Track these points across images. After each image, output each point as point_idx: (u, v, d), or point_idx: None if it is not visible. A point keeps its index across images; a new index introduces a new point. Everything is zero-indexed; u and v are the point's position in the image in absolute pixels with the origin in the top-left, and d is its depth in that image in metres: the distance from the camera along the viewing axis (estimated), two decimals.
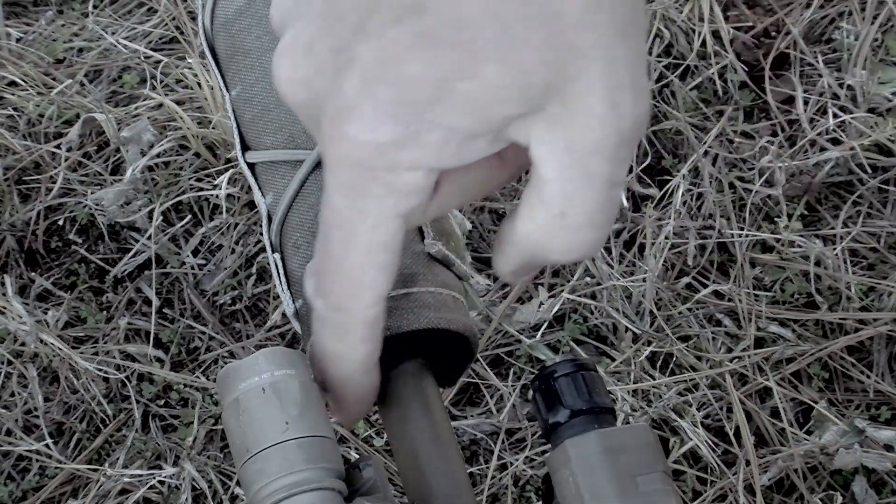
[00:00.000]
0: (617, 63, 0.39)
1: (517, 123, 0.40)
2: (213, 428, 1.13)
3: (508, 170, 0.45)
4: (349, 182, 0.41)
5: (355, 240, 0.42)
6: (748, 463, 1.04)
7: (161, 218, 1.23)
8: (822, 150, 1.22)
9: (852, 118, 1.21)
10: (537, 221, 0.42)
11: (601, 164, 0.41)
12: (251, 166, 0.63)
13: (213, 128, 1.25)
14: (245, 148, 0.63)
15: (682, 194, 1.18)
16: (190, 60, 1.28)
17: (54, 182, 1.26)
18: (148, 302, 1.21)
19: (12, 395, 1.15)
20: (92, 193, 1.25)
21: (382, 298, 0.45)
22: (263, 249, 1.21)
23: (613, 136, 0.40)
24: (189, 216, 1.25)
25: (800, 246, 1.16)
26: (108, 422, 1.14)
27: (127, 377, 1.16)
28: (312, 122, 0.42)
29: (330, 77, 0.40)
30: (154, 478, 1.10)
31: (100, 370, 1.15)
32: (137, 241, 1.23)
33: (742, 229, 1.18)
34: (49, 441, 1.13)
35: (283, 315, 1.17)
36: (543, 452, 1.08)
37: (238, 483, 1.10)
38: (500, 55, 0.38)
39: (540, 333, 1.13)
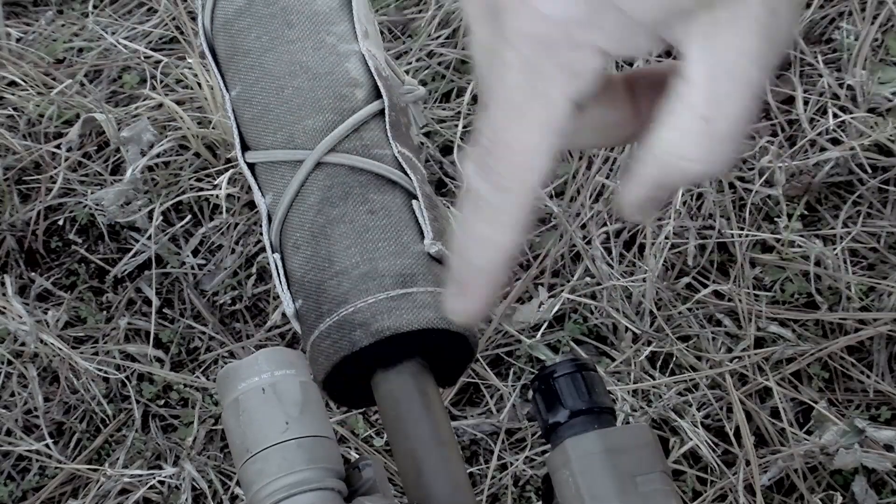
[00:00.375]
0: None
1: (681, 21, 0.41)
2: (213, 428, 1.13)
3: (638, 122, 0.46)
4: (529, 59, 0.41)
5: (530, 119, 0.43)
6: (748, 463, 1.04)
7: (161, 218, 1.23)
8: (822, 150, 1.22)
9: (852, 118, 1.21)
10: (680, 126, 0.43)
11: (753, 71, 0.42)
12: (251, 166, 0.63)
13: (213, 128, 1.25)
14: (245, 148, 0.63)
15: (682, 194, 1.18)
16: (190, 60, 1.28)
17: (54, 182, 1.26)
18: (148, 302, 1.21)
19: (12, 395, 1.15)
20: (92, 193, 1.25)
21: (542, 185, 0.45)
22: (263, 249, 1.21)
23: (767, 44, 0.41)
24: (189, 216, 1.25)
25: (800, 246, 1.16)
26: (108, 422, 1.14)
27: (127, 377, 1.16)
28: (488, 3, 0.42)
29: None
30: (154, 478, 1.10)
31: (100, 370, 1.15)
32: (137, 241, 1.23)
33: (742, 229, 1.18)
34: (49, 441, 1.13)
35: (283, 315, 1.17)
36: (543, 452, 1.08)
37: (238, 483, 1.10)
38: None
39: (540, 333, 1.13)
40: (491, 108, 0.44)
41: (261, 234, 1.18)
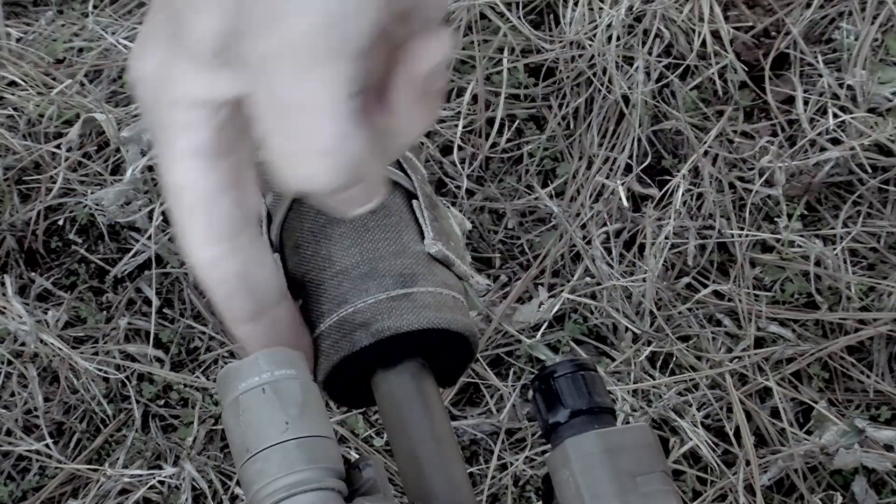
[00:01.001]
0: None
1: None
2: (213, 428, 1.13)
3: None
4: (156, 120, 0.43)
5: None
6: (748, 463, 1.04)
7: (161, 218, 1.23)
8: (822, 150, 1.22)
9: (852, 118, 1.21)
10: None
11: None
12: None
13: None
14: None
15: (682, 194, 1.18)
16: None
17: (54, 182, 1.26)
18: (148, 302, 1.21)
19: (12, 395, 1.15)
20: (92, 193, 1.25)
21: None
22: None
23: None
24: None
25: (800, 246, 1.16)
26: (108, 422, 1.14)
27: (127, 377, 1.16)
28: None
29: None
30: (154, 478, 1.10)
31: (100, 370, 1.15)
32: (137, 241, 1.23)
33: (742, 229, 1.18)
34: (49, 441, 1.13)
35: None
36: (543, 452, 1.08)
37: (238, 483, 1.10)
38: None
39: (540, 333, 1.13)
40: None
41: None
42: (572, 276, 1.16)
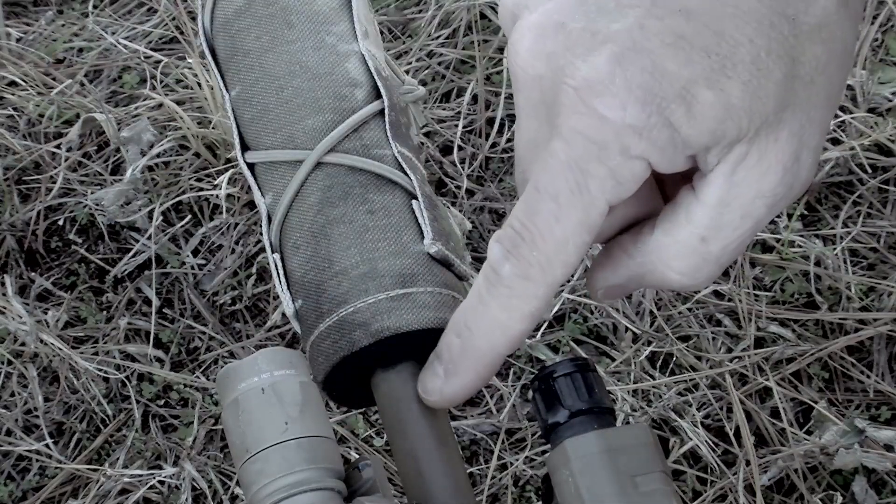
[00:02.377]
0: (814, 124, 0.42)
1: (719, 149, 0.42)
2: (213, 428, 1.13)
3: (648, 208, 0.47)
4: (580, 157, 0.42)
5: (567, 214, 0.43)
6: (748, 463, 1.04)
7: (161, 218, 1.23)
8: (822, 149, 1.22)
9: (852, 118, 1.21)
10: (676, 237, 0.44)
11: (761, 209, 0.43)
12: (251, 166, 0.63)
13: (213, 128, 1.25)
14: (245, 148, 0.63)
15: None
16: (190, 60, 1.28)
17: (54, 182, 1.26)
18: (148, 302, 1.21)
19: (12, 395, 1.16)
20: (92, 193, 1.25)
21: (565, 280, 0.46)
22: (263, 249, 1.21)
23: (783, 188, 0.43)
24: (189, 216, 1.25)
25: (800, 246, 1.16)
26: (108, 422, 1.14)
27: (127, 377, 1.16)
28: (542, 97, 0.43)
29: (579, 54, 0.42)
30: (154, 478, 1.10)
31: (100, 370, 1.15)
32: (137, 241, 1.23)
33: None
34: (49, 441, 1.13)
35: (283, 315, 1.17)
36: (543, 452, 1.08)
37: (238, 483, 1.10)
38: (747, 77, 0.41)
39: (540, 333, 1.13)
40: (530, 196, 0.44)
41: (261, 234, 1.18)
42: (572, 275, 1.16)
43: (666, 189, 0.47)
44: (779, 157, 0.42)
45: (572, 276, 1.16)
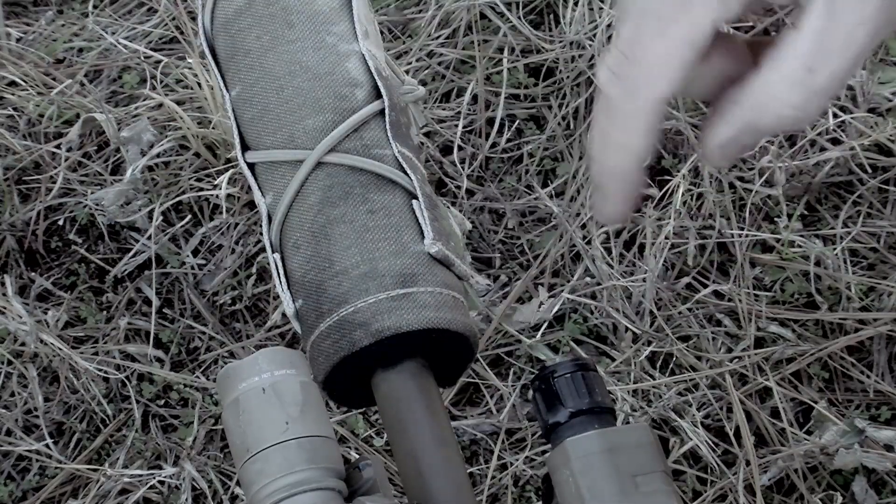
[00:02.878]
0: None
1: None
2: (213, 428, 1.13)
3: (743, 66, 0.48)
4: None
5: (671, 30, 0.45)
6: (748, 463, 1.04)
7: (161, 218, 1.23)
8: (822, 150, 1.22)
9: (852, 118, 1.21)
10: (784, 71, 0.46)
11: (864, 36, 0.44)
12: (251, 166, 0.63)
13: (213, 128, 1.25)
14: (245, 148, 0.63)
15: (682, 194, 1.18)
16: (190, 60, 1.28)
17: (54, 182, 1.26)
18: (148, 302, 1.21)
19: (12, 395, 1.16)
20: (92, 193, 1.25)
21: (672, 96, 0.47)
22: (263, 249, 1.21)
23: (882, 15, 0.44)
24: (189, 216, 1.25)
25: (800, 246, 1.16)
26: (108, 422, 1.14)
27: (127, 377, 1.16)
28: None
29: None
30: (154, 478, 1.10)
31: (100, 370, 1.15)
32: (137, 241, 1.23)
33: (742, 229, 1.18)
34: (49, 441, 1.13)
35: (283, 315, 1.17)
36: (543, 452, 1.08)
37: (238, 483, 1.10)
38: None
39: (540, 333, 1.13)
40: (633, 18, 0.46)
41: (261, 234, 1.18)
42: (572, 276, 1.16)
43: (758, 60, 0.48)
44: None
45: (572, 276, 1.16)
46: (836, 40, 0.45)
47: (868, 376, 1.10)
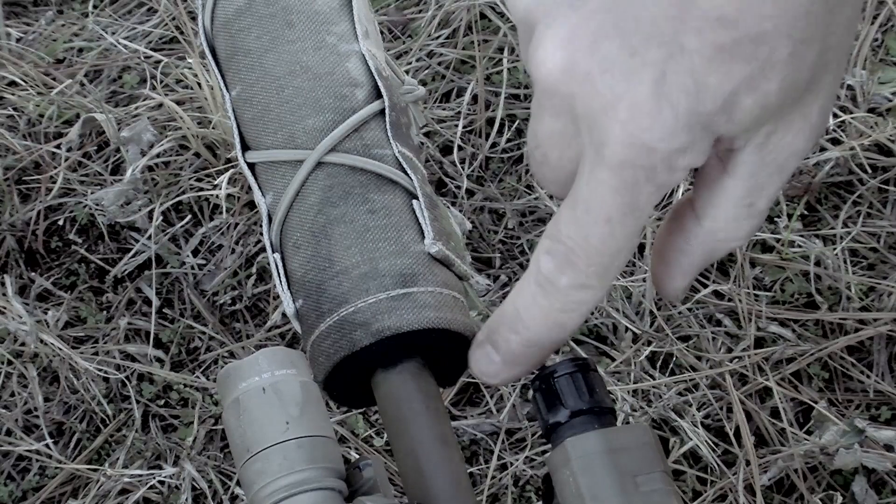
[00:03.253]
0: (837, 77, 0.44)
1: (749, 131, 0.44)
2: (213, 428, 1.13)
3: None
4: (629, 181, 0.43)
5: (621, 230, 0.45)
6: (748, 463, 1.04)
7: (161, 218, 1.23)
8: (822, 150, 1.22)
9: (852, 118, 1.21)
10: (726, 214, 0.46)
11: (795, 163, 0.45)
12: (251, 166, 0.63)
13: (213, 128, 1.25)
14: (245, 148, 0.63)
15: (682, 194, 1.18)
16: (190, 60, 1.28)
17: (54, 182, 1.26)
18: (148, 302, 1.21)
19: (12, 395, 1.16)
20: (92, 193, 1.25)
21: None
22: (263, 249, 1.21)
23: (813, 141, 0.45)
24: (189, 216, 1.25)
25: (800, 246, 1.16)
26: (108, 422, 1.14)
27: (127, 377, 1.16)
28: (573, 110, 0.43)
29: (619, 78, 0.42)
30: (154, 478, 1.10)
31: (100, 370, 1.15)
32: (137, 241, 1.23)
33: None
34: (49, 441, 1.13)
35: (283, 315, 1.17)
36: (543, 452, 1.08)
37: (238, 483, 1.10)
38: (785, 72, 0.41)
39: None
40: (581, 217, 0.45)
41: (261, 234, 1.18)
42: None
43: None
44: (808, 119, 0.44)
45: None
46: (770, 173, 0.45)
47: (868, 376, 1.10)
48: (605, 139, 0.43)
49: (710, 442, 1.07)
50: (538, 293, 0.49)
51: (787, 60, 0.40)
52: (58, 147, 1.28)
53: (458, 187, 1.23)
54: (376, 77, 0.62)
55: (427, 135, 1.26)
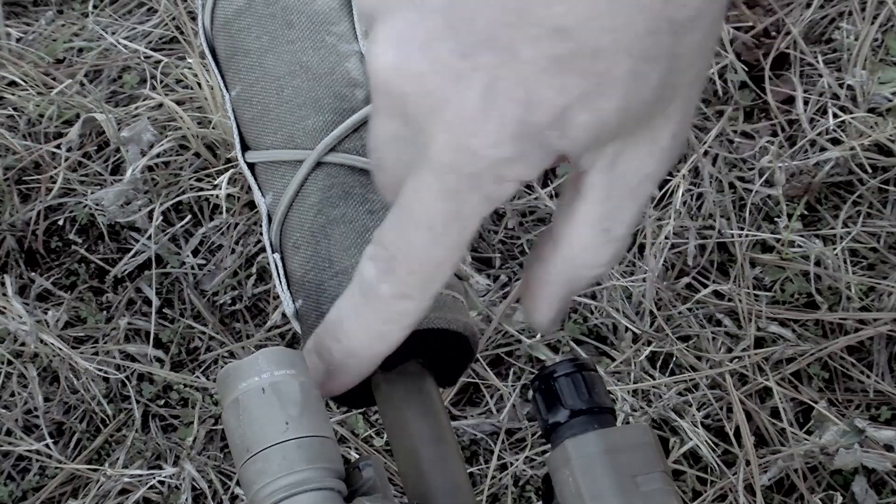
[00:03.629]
0: (690, 102, 0.42)
1: (594, 150, 0.42)
2: (213, 428, 1.13)
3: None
4: (453, 188, 0.42)
5: (443, 239, 0.43)
6: (748, 463, 1.04)
7: (161, 218, 1.23)
8: (822, 150, 1.22)
9: (852, 118, 1.21)
10: (583, 242, 0.45)
11: (648, 187, 0.43)
12: (251, 166, 0.63)
13: (213, 128, 1.25)
14: (245, 148, 0.63)
15: (682, 194, 1.18)
16: (190, 60, 1.28)
17: (54, 182, 1.26)
18: (148, 302, 1.21)
19: (12, 395, 1.16)
20: (92, 193, 1.25)
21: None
22: (263, 249, 1.21)
23: (666, 165, 0.43)
24: (189, 216, 1.25)
25: (800, 246, 1.16)
26: (108, 422, 1.14)
27: (127, 377, 1.16)
28: (406, 110, 0.42)
29: (449, 80, 0.40)
30: (154, 478, 1.10)
31: (100, 370, 1.15)
32: (137, 241, 1.23)
33: (742, 229, 1.18)
34: (49, 441, 1.13)
35: (283, 315, 1.17)
36: (543, 452, 1.08)
37: (238, 483, 1.10)
38: (624, 91, 0.39)
39: (540, 334, 1.13)
40: (403, 221, 0.44)
41: (261, 234, 1.18)
42: None
43: None
44: (657, 142, 0.42)
45: None
46: (623, 198, 0.43)
47: (868, 376, 1.10)
48: (431, 142, 0.41)
49: (710, 442, 1.07)
50: (360, 302, 0.47)
51: (627, 79, 0.39)
52: (58, 147, 1.28)
53: None
54: None
55: None
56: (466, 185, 0.41)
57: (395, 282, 0.45)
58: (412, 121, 0.42)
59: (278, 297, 1.13)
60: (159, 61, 1.34)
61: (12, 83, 1.34)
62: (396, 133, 0.43)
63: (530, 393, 0.50)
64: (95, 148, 1.30)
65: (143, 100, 1.31)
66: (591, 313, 1.14)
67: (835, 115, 1.22)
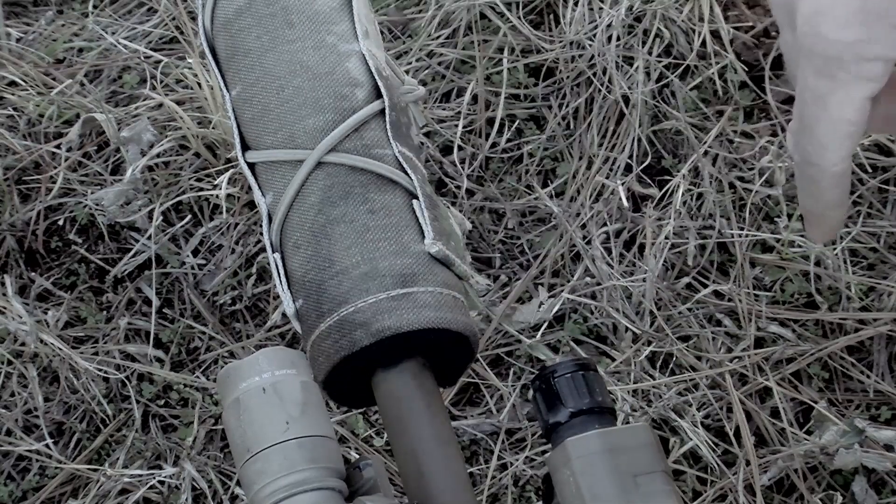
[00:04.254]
0: None
1: None
2: (213, 428, 1.13)
3: None
4: (822, 68, 0.51)
5: (825, 113, 0.52)
6: (748, 463, 1.04)
7: (161, 218, 1.23)
8: None
9: None
10: None
11: None
12: (251, 166, 0.63)
13: (213, 128, 1.25)
14: (245, 148, 0.63)
15: (682, 194, 1.18)
16: (190, 60, 1.28)
17: (54, 182, 1.26)
18: (148, 302, 1.21)
19: (12, 395, 1.16)
20: (92, 193, 1.25)
21: (847, 158, 0.55)
22: (263, 249, 1.21)
23: None
24: (189, 216, 1.25)
25: (800, 246, 1.16)
26: (108, 422, 1.14)
27: (127, 377, 1.16)
28: (788, 13, 0.52)
29: None
30: (154, 478, 1.10)
31: (100, 370, 1.15)
32: (137, 241, 1.23)
33: (742, 229, 1.18)
34: (49, 441, 1.13)
35: (283, 315, 1.17)
36: (543, 452, 1.08)
37: (238, 483, 1.10)
38: None
39: (540, 333, 1.13)
40: (798, 98, 0.54)
41: (261, 234, 1.18)
42: (572, 276, 1.16)
43: None
44: None
45: (572, 276, 1.16)
46: None
47: (868, 376, 1.10)
48: (798, 33, 0.50)
49: (710, 442, 1.07)
50: (795, 168, 0.58)
51: None
52: (58, 147, 1.28)
53: (458, 187, 1.23)
54: (376, 77, 0.62)
55: (427, 135, 1.26)
56: (830, 64, 0.50)
57: (800, 151, 0.55)
58: (791, 19, 0.51)
59: (278, 297, 1.13)
60: (159, 61, 1.34)
61: (12, 83, 1.34)
62: (792, 39, 0.52)
63: (530, 393, 0.50)
64: (95, 148, 1.30)
65: (143, 100, 1.31)
66: (591, 313, 1.14)
67: None
